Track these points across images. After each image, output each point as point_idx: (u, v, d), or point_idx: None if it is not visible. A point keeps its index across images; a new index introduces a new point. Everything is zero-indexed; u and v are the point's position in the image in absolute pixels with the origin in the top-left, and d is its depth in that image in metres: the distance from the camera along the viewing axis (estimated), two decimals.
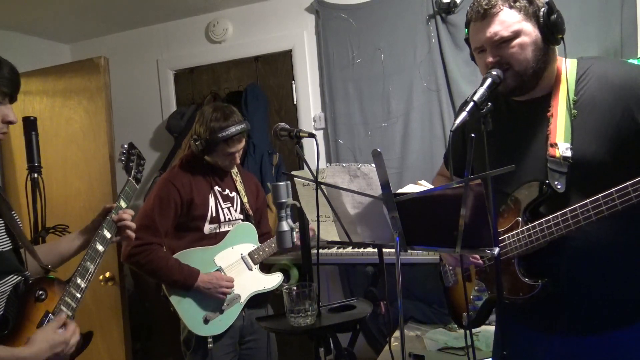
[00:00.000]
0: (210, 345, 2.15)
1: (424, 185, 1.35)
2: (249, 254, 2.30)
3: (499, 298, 1.26)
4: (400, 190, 1.26)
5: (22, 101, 3.18)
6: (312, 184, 1.40)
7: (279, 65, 3.42)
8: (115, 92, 3.16)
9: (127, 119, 3.61)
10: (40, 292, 1.41)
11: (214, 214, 2.23)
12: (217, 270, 2.22)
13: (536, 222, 1.31)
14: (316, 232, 1.66)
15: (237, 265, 2.27)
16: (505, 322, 1.40)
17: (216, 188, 2.28)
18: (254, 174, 3.18)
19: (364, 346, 3.07)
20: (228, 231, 2.27)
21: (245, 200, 2.36)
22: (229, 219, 2.28)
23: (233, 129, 2.14)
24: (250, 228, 2.34)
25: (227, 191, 2.32)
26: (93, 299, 3.06)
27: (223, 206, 2.27)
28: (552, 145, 1.30)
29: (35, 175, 2.62)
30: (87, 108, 3.06)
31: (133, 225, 1.63)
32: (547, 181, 1.29)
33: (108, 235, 1.57)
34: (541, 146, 1.33)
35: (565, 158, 1.28)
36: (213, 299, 2.17)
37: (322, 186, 1.36)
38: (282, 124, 1.72)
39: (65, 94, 3.12)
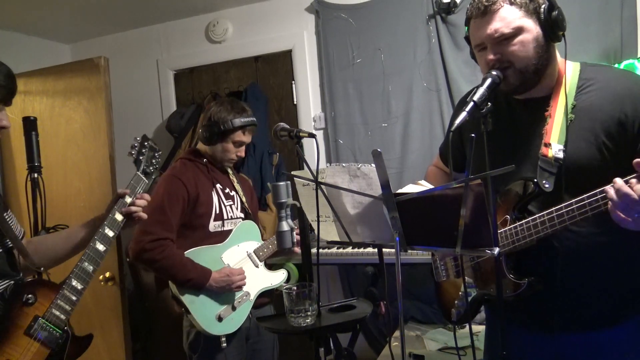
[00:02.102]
0: (224, 345, 2.12)
1: (424, 185, 1.35)
2: (254, 251, 2.31)
3: (499, 297, 1.26)
4: (400, 190, 1.26)
5: (22, 101, 3.18)
6: (312, 184, 1.40)
7: (279, 65, 3.42)
8: (115, 92, 3.15)
9: (127, 119, 3.61)
10: (29, 296, 1.37)
11: (217, 211, 2.23)
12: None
13: (523, 221, 1.31)
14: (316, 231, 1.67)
15: (244, 263, 2.26)
16: (497, 321, 1.40)
17: (218, 185, 2.28)
18: (254, 173, 3.20)
19: (364, 346, 3.08)
20: (231, 230, 2.27)
21: (244, 199, 2.37)
22: (231, 216, 2.29)
23: (249, 119, 2.23)
24: (252, 226, 2.35)
25: (228, 189, 2.32)
26: (93, 299, 3.06)
27: (225, 204, 2.28)
28: (545, 145, 1.31)
29: (35, 175, 2.62)
30: (87, 108, 3.06)
31: (144, 215, 1.60)
32: (536, 180, 1.30)
33: (110, 234, 1.52)
34: (536, 145, 1.34)
35: (556, 159, 1.28)
36: (227, 294, 2.15)
37: (322, 186, 1.36)
38: (282, 124, 1.72)
39: (65, 94, 3.12)
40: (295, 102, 3.37)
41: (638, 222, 1.11)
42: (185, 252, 2.15)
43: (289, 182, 1.55)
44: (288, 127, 1.71)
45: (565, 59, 1.37)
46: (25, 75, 3.12)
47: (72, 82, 3.09)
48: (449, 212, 1.13)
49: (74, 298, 1.43)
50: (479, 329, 2.29)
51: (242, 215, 2.35)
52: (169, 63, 3.68)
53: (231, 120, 2.19)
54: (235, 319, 2.18)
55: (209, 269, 2.14)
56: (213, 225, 2.22)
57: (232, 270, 2.18)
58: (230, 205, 2.30)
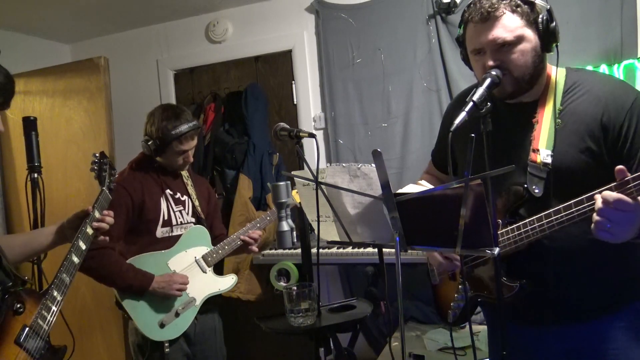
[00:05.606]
0: (167, 350, 2.12)
1: (424, 185, 1.35)
2: (203, 257, 2.28)
3: (498, 298, 1.26)
4: (400, 190, 1.26)
5: (22, 101, 3.18)
6: (312, 184, 1.40)
7: (279, 65, 3.42)
8: (115, 92, 3.16)
9: (127, 119, 3.60)
10: (19, 305, 1.36)
11: (165, 217, 2.22)
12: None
13: (514, 226, 1.33)
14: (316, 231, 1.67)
15: (191, 269, 2.24)
16: (495, 320, 1.40)
17: (167, 191, 2.26)
18: (254, 174, 3.20)
19: (364, 346, 3.07)
20: (180, 235, 2.25)
21: (197, 203, 2.35)
22: (181, 222, 2.27)
23: (185, 126, 2.17)
24: (202, 231, 2.32)
25: (179, 194, 2.30)
26: (93, 299, 3.06)
27: (175, 209, 2.26)
28: (534, 151, 1.33)
29: (35, 175, 2.62)
30: (87, 108, 3.06)
31: (107, 237, 1.65)
32: (526, 185, 1.32)
33: (83, 246, 1.55)
34: (525, 151, 1.35)
35: (545, 164, 1.31)
36: (168, 299, 2.14)
37: (322, 186, 1.36)
38: (282, 124, 1.72)
39: (65, 94, 3.12)
40: (295, 102, 3.37)
41: (612, 231, 1.11)
42: (129, 260, 2.13)
43: (289, 182, 1.55)
44: (288, 127, 1.71)
45: (557, 67, 1.38)
46: (25, 75, 3.13)
47: (72, 82, 3.09)
48: (449, 212, 1.13)
49: (54, 308, 1.43)
50: (479, 328, 2.29)
51: (193, 220, 2.32)
52: (169, 63, 3.68)
53: (166, 132, 2.14)
54: (179, 325, 2.16)
55: (152, 274, 2.11)
56: (160, 232, 2.21)
57: (175, 275, 2.16)
58: (180, 211, 2.28)
